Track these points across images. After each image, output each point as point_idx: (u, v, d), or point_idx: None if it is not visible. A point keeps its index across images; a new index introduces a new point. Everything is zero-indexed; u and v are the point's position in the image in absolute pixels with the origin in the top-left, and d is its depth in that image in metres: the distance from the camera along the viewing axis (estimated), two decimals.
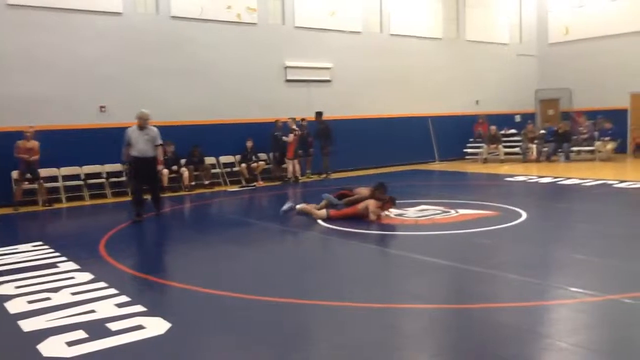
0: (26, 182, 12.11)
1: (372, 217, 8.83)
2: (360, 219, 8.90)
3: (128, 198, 12.98)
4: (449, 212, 9.38)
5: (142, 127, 9.72)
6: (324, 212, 9.25)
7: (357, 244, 7.76)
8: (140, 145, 9.70)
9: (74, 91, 13.02)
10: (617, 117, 19.18)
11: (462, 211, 9.41)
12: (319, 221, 9.04)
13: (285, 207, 9.72)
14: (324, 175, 16.06)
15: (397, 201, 9.33)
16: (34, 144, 11.99)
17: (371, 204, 8.90)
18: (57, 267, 6.68)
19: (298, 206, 9.62)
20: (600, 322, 4.49)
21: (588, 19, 20.68)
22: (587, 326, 4.41)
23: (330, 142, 15.94)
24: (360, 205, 8.96)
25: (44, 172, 12.56)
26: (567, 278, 5.67)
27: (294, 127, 15.29)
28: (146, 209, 10.14)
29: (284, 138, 15.11)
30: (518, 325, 4.43)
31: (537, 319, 4.60)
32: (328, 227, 8.67)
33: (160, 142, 9.89)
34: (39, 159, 12.04)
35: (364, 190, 9.36)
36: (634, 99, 19.78)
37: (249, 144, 15.08)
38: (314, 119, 16.08)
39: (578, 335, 4.16)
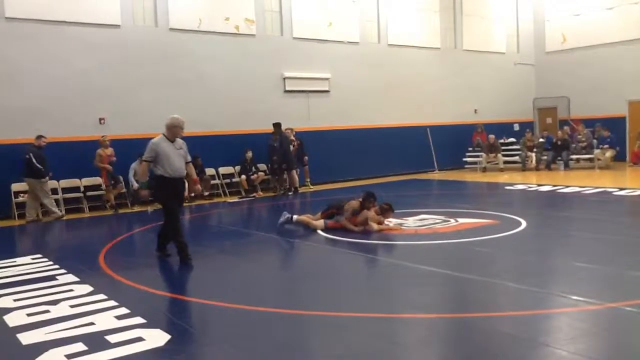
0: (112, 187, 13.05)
1: (375, 227, 8.81)
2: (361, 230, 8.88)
3: (128, 210, 13.01)
4: (449, 221, 9.38)
5: (174, 138, 7.41)
6: (321, 222, 9.23)
7: (356, 253, 7.76)
8: (175, 162, 7.30)
9: (73, 103, 13.05)
10: (615, 125, 19.22)
11: (462, 220, 9.41)
12: (318, 231, 9.03)
13: (282, 219, 9.55)
14: (282, 192, 15.06)
15: (396, 211, 9.31)
16: (112, 150, 12.91)
17: (369, 215, 8.88)
18: (56, 279, 6.67)
19: (295, 217, 9.55)
20: (600, 330, 4.48)
21: (585, 27, 20.77)
22: (587, 334, 4.40)
23: (288, 156, 14.96)
24: (359, 219, 8.91)
25: None
26: (567, 286, 5.66)
27: (293, 137, 15.30)
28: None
29: (276, 145, 15.14)
30: (518, 334, 4.42)
31: (537, 327, 4.59)
32: (327, 237, 8.66)
33: (190, 158, 7.71)
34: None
35: (354, 203, 9.09)
36: (631, 106, 19.83)
37: (248, 154, 15.09)
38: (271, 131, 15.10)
39: (578, 344, 4.14)
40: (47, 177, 11.96)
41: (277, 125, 14.85)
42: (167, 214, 7.43)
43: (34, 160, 11.62)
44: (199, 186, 8.14)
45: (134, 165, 13.37)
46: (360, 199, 9.03)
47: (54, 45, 12.87)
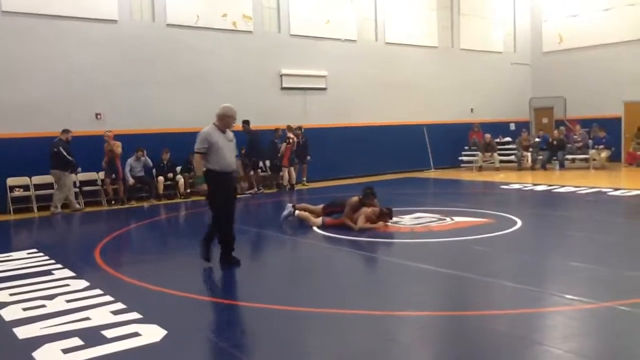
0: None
1: (360, 222, 8.76)
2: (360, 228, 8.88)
3: (123, 205, 12.98)
4: (444, 219, 9.40)
5: (225, 129, 6.84)
6: (320, 219, 9.24)
7: (353, 251, 7.77)
8: (227, 155, 6.72)
9: (69, 98, 13.02)
10: (610, 125, 19.30)
11: (457, 219, 9.44)
12: (315, 228, 9.04)
13: (285, 212, 9.65)
14: (253, 190, 14.66)
15: (393, 209, 9.31)
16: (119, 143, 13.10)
17: (366, 212, 8.87)
18: (52, 274, 6.66)
19: (297, 212, 9.56)
20: (594, 330, 4.51)
21: (582, 28, 20.83)
22: (582, 333, 4.43)
23: (259, 153, 14.86)
24: (357, 216, 8.92)
25: (37, 179, 12.56)
26: (562, 285, 5.69)
27: (290, 135, 15.31)
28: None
29: (276, 141, 15.18)
30: (513, 333, 4.44)
31: (532, 325, 4.62)
32: (324, 235, 8.68)
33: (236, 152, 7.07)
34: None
35: (354, 199, 9.12)
36: (627, 107, 19.91)
37: (244, 152, 15.06)
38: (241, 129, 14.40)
39: (572, 343, 4.17)
40: (76, 170, 12.55)
41: (246, 122, 14.45)
42: (216, 213, 6.75)
43: (64, 153, 12.01)
44: (244, 184, 7.64)
45: (130, 160, 13.38)
46: (360, 195, 9.06)
47: (51, 39, 12.83)
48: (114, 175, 13.15)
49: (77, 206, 12.58)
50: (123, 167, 13.23)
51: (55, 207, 12.14)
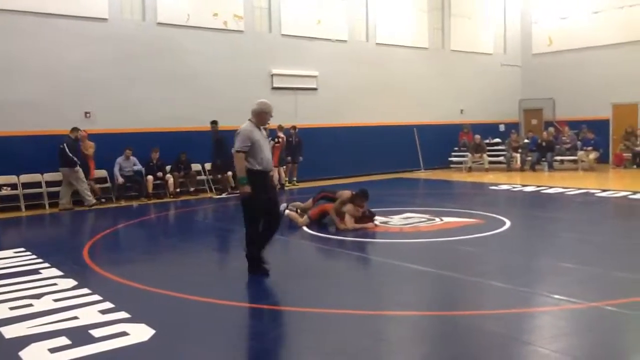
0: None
1: (347, 220, 8.78)
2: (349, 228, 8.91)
3: (113, 204, 12.91)
4: (433, 220, 9.43)
5: (261, 126, 6.51)
6: (305, 218, 9.27)
7: (342, 251, 7.78)
8: (266, 152, 6.40)
9: (59, 97, 12.92)
10: (599, 127, 19.43)
11: (446, 219, 9.47)
12: (304, 228, 9.04)
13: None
14: (224, 193, 14.30)
15: (381, 209, 9.34)
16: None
17: (349, 208, 8.90)
18: (39, 273, 6.61)
19: (286, 212, 9.52)
20: (582, 329, 4.54)
21: (571, 30, 20.97)
22: (570, 333, 4.46)
23: (224, 154, 13.96)
24: (336, 205, 8.97)
25: (26, 178, 12.47)
26: (550, 285, 5.72)
27: (280, 134, 15.29)
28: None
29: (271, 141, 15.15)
30: (501, 332, 4.46)
31: (520, 325, 4.64)
32: (312, 235, 8.68)
33: None
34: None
35: (346, 193, 9.24)
36: (615, 109, 20.06)
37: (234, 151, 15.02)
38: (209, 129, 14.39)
39: (560, 342, 4.20)
40: (78, 166, 12.45)
41: (213, 123, 14.25)
42: (257, 214, 6.32)
43: (67, 150, 12.16)
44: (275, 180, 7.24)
45: (119, 159, 13.31)
46: (353, 193, 9.08)
47: (41, 37, 12.73)
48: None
49: (92, 200, 12.70)
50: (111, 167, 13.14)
51: (63, 204, 12.39)
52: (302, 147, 15.93)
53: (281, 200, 13.69)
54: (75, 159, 12.32)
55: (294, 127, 15.78)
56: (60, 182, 12.82)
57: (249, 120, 6.42)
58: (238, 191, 6.58)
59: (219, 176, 14.59)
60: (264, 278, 6.16)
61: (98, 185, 13.29)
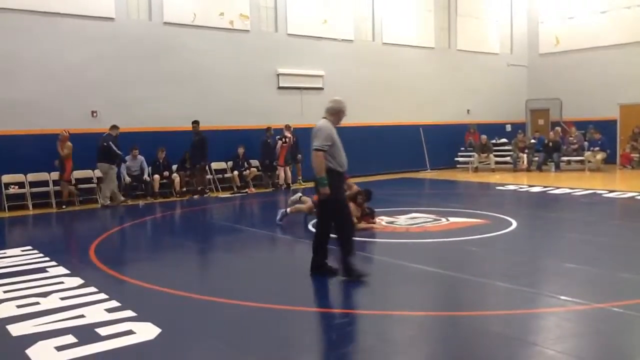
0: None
1: (361, 225, 8.79)
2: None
3: (63, 209, 12.94)
4: (440, 220, 9.42)
5: (337, 124, 6.30)
6: (309, 201, 9.25)
7: None
8: (344, 153, 6.19)
9: (66, 96, 12.98)
10: (606, 127, 19.34)
11: (452, 219, 9.45)
12: (310, 227, 9.03)
13: (279, 215, 9.51)
14: (197, 195, 14.04)
15: (387, 209, 9.32)
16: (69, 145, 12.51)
17: (352, 208, 8.89)
18: (46, 271, 6.65)
19: (289, 209, 9.52)
20: (588, 330, 4.53)
21: (578, 30, 20.88)
22: (575, 334, 4.44)
23: (204, 155, 14.07)
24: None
25: (33, 176, 12.55)
26: (556, 286, 5.70)
27: (287, 134, 15.29)
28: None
29: (269, 140, 15.14)
30: (506, 333, 4.45)
31: (526, 326, 4.63)
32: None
33: None
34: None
35: (354, 186, 9.22)
36: (622, 109, 19.96)
37: (241, 150, 15.07)
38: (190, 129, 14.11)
39: (566, 343, 4.19)
40: (116, 165, 12.85)
41: (195, 123, 14.02)
42: (340, 217, 6.06)
43: (114, 147, 12.55)
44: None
45: (126, 159, 13.35)
46: (358, 189, 9.06)
47: (48, 37, 12.79)
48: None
49: (122, 199, 12.90)
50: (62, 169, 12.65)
51: (106, 199, 12.68)
52: (299, 146, 15.83)
53: (284, 200, 13.77)
54: (121, 155, 12.85)
55: (287, 127, 15.66)
56: (59, 182, 12.91)
57: (325, 118, 6.16)
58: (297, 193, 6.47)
59: (197, 176, 14.29)
60: (329, 279, 5.99)
61: (80, 186, 13.11)
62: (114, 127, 12.78)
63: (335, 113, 6.20)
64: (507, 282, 5.75)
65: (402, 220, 9.49)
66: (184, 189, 14.18)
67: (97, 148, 12.57)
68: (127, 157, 13.38)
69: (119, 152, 12.69)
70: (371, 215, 9.18)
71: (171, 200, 13.67)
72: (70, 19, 13.05)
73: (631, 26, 19.39)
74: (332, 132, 5.99)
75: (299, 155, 15.88)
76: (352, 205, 8.86)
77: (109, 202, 12.68)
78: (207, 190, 14.27)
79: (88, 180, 13.29)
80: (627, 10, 19.57)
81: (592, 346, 4.21)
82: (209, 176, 14.94)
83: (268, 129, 15.32)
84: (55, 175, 12.80)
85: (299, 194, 9.68)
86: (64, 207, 12.46)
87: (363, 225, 8.80)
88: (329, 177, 5.85)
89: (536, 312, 4.90)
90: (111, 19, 13.59)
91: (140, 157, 13.48)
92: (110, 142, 12.56)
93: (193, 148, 14.04)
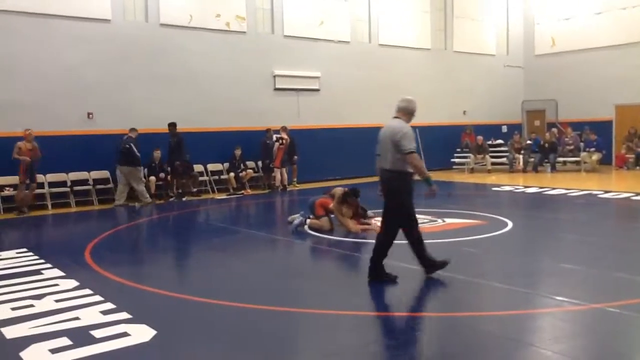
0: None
1: (351, 225, 8.78)
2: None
3: (110, 205, 12.91)
4: (436, 221, 9.42)
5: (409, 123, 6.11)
6: (326, 220, 9.01)
7: (343, 251, 7.77)
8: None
9: (61, 98, 12.94)
10: (601, 128, 19.39)
11: (449, 220, 9.45)
12: (306, 228, 9.00)
13: (297, 222, 9.09)
14: (174, 198, 13.92)
15: (380, 212, 9.27)
16: (35, 145, 11.95)
17: (345, 211, 8.89)
18: (41, 274, 6.62)
19: (308, 221, 9.15)
20: (584, 331, 4.53)
21: (574, 31, 20.93)
22: (572, 335, 4.44)
23: (182, 157, 13.89)
24: (335, 205, 8.97)
25: None
26: (552, 287, 5.71)
27: (284, 135, 15.27)
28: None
29: (268, 141, 15.11)
30: (503, 334, 4.45)
31: (522, 327, 4.63)
32: (314, 235, 8.67)
33: None
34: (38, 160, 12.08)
35: (338, 190, 9.21)
36: (618, 110, 20.02)
37: (237, 152, 15.06)
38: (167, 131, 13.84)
39: (562, 344, 4.18)
40: (140, 166, 13.04)
41: (172, 125, 13.77)
42: (410, 219, 6.03)
43: (134, 149, 12.69)
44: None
45: None
46: (345, 190, 9.08)
47: (44, 38, 12.75)
48: (28, 181, 11.97)
49: (149, 199, 13.01)
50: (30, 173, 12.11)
51: (119, 200, 12.80)
52: (295, 147, 15.81)
53: (283, 202, 13.75)
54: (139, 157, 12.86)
55: (284, 128, 15.64)
56: (64, 183, 12.88)
57: (397, 117, 6.02)
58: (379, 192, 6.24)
59: (183, 180, 14.12)
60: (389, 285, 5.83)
61: (75, 188, 13.00)
62: (133, 129, 12.96)
63: (410, 113, 6.09)
64: (503, 283, 5.75)
65: None
66: (180, 191, 14.08)
67: (118, 151, 12.78)
68: None
69: (139, 154, 12.78)
70: (364, 214, 9.16)
71: (167, 201, 13.61)
72: (66, 21, 13.01)
73: (627, 27, 19.45)
74: (413, 133, 5.89)
75: (295, 157, 15.88)
76: (343, 205, 8.89)
77: (122, 202, 12.80)
78: (185, 197, 13.87)
79: (84, 182, 13.24)
80: (622, 11, 19.62)
81: (589, 346, 4.20)
82: (203, 178, 14.91)
83: (268, 130, 15.31)
84: (50, 177, 12.76)
85: (300, 219, 9.12)
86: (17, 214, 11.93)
87: (359, 227, 8.78)
88: (407, 179, 5.87)
89: (532, 313, 4.90)
90: (107, 20, 13.56)
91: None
92: (132, 144, 12.71)
93: (171, 151, 13.77)
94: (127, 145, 12.68)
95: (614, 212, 10.97)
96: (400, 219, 5.98)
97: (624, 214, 10.80)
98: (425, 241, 6.09)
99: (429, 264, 6.04)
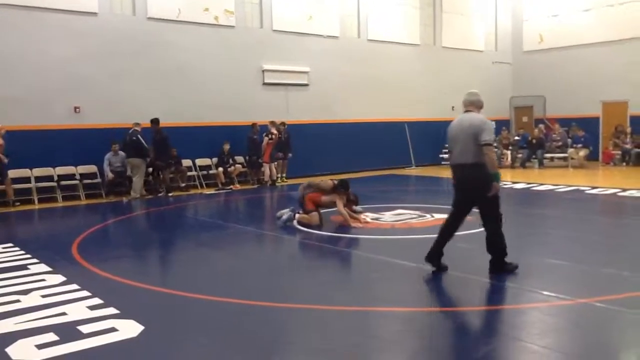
0: None
1: (340, 206, 8.85)
2: (339, 223, 8.91)
3: (102, 200, 12.83)
4: (425, 216, 9.45)
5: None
6: (315, 215, 8.99)
7: (333, 247, 7.77)
8: None
9: (47, 92, 12.82)
10: (589, 124, 19.53)
11: (438, 215, 9.46)
12: (295, 223, 8.99)
13: (285, 217, 9.02)
14: (162, 193, 13.65)
15: (372, 205, 9.33)
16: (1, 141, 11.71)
17: (338, 202, 8.94)
18: (27, 269, 6.56)
19: (297, 216, 9.11)
20: (571, 325, 4.56)
21: (562, 28, 21.05)
22: (558, 329, 4.47)
23: (166, 154, 13.70)
24: (327, 198, 9.02)
25: (15, 172, 12.36)
26: (539, 282, 5.73)
27: (273, 130, 15.24)
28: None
29: (255, 137, 15.06)
30: (490, 328, 4.48)
31: (509, 321, 4.66)
32: (304, 231, 8.66)
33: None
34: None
35: (328, 182, 9.22)
36: (605, 107, 20.16)
37: (226, 147, 15.00)
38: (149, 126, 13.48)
39: (548, 338, 4.21)
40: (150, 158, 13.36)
41: (154, 121, 13.45)
42: (496, 213, 6.11)
43: (143, 142, 12.97)
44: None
45: (108, 155, 13.23)
46: (335, 182, 9.11)
47: (29, 31, 12.61)
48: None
49: (138, 195, 13.05)
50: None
51: (135, 192, 13.02)
52: (290, 143, 15.88)
53: (273, 197, 13.73)
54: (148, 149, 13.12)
55: (283, 124, 15.70)
56: (51, 178, 12.78)
57: (470, 111, 6.04)
58: (452, 182, 6.40)
59: (171, 175, 14.02)
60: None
61: (62, 183, 12.90)
62: (137, 123, 13.13)
63: (481, 105, 6.12)
64: (492, 278, 5.78)
65: (388, 217, 9.50)
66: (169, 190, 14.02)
67: (125, 144, 13.01)
68: (109, 154, 13.25)
69: (147, 146, 13.05)
70: (355, 201, 9.26)
71: (155, 196, 13.54)
72: (53, 14, 12.87)
73: (614, 24, 19.57)
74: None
75: (289, 154, 15.87)
76: (336, 195, 8.91)
77: (138, 195, 12.96)
78: (171, 193, 13.66)
79: (71, 177, 13.14)
80: (610, 8, 19.75)
81: (575, 341, 4.24)
82: (191, 173, 14.86)
83: (253, 125, 15.25)
84: (37, 171, 12.65)
85: (289, 214, 9.03)
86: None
87: (357, 224, 8.80)
88: (488, 173, 5.75)
89: (519, 308, 4.93)
90: (94, 13, 13.43)
91: (122, 153, 13.33)
92: (139, 136, 12.89)
93: (155, 148, 13.48)
94: (135, 138, 12.88)
95: (600, 208, 11.06)
96: (496, 206, 6.04)
97: (611, 209, 10.89)
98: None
99: (438, 257, 6.03)
